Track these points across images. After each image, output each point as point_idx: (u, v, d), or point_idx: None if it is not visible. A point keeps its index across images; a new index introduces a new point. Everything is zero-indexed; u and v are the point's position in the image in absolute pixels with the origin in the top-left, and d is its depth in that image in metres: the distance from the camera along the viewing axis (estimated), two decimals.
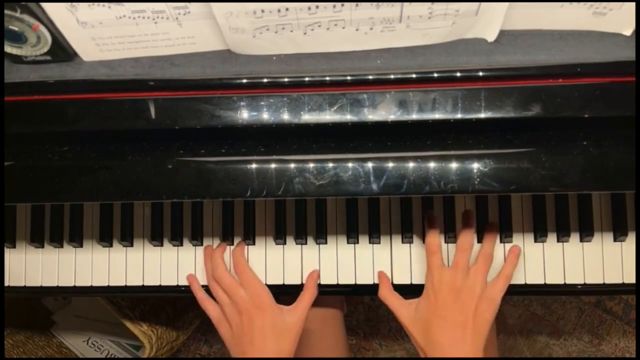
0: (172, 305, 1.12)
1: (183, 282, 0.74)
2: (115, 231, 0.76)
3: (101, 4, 0.48)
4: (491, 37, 0.54)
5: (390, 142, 0.56)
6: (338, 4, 0.48)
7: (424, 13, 0.49)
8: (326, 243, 0.74)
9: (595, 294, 1.26)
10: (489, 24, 0.52)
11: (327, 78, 0.53)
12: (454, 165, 0.54)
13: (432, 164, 0.55)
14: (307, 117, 0.54)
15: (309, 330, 0.83)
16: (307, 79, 0.53)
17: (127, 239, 0.75)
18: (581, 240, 0.71)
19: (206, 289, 0.72)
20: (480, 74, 0.52)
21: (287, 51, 0.55)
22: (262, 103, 0.54)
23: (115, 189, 0.56)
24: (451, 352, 0.60)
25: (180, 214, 0.75)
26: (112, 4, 0.48)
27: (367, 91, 0.53)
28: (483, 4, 0.49)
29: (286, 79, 0.53)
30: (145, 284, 0.75)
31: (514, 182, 0.54)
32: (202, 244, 0.75)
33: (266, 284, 0.73)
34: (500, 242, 0.72)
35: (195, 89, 0.54)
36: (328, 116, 0.54)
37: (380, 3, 0.48)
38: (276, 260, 0.74)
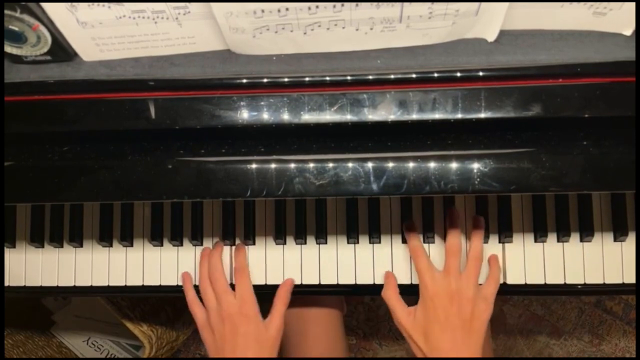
0: (172, 305, 1.12)
1: (183, 282, 0.74)
2: (115, 231, 0.76)
3: (101, 4, 0.48)
4: (491, 37, 0.54)
5: (390, 142, 0.56)
6: (338, 4, 0.48)
7: (424, 13, 0.49)
8: (326, 243, 0.74)
9: (595, 294, 1.26)
10: (489, 24, 0.52)
11: (327, 78, 0.53)
12: (454, 165, 0.54)
13: (432, 164, 0.55)
14: (307, 117, 0.54)
15: (307, 331, 0.83)
16: (307, 79, 0.53)
17: (127, 239, 0.75)
18: (581, 240, 0.71)
19: (197, 289, 0.72)
20: (480, 74, 0.52)
21: (287, 51, 0.55)
22: (262, 103, 0.54)
23: (115, 189, 0.56)
24: (453, 356, 0.60)
25: (180, 214, 0.75)
26: (112, 4, 0.48)
27: (367, 91, 0.53)
28: (483, 4, 0.49)
29: (286, 79, 0.53)
30: (145, 284, 0.75)
31: (514, 182, 0.54)
32: (202, 244, 0.75)
33: (266, 284, 0.74)
34: (500, 242, 0.72)
35: (195, 89, 0.54)
36: (328, 116, 0.54)
37: (380, 3, 0.48)
38: (276, 260, 0.74)
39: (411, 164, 0.55)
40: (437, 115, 0.53)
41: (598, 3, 0.50)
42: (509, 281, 0.72)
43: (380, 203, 0.74)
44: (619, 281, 0.71)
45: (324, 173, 0.55)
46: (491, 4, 0.49)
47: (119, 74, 0.55)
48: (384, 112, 0.53)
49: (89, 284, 0.76)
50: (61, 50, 0.54)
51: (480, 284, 0.66)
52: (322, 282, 0.73)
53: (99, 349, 1.26)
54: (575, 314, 1.34)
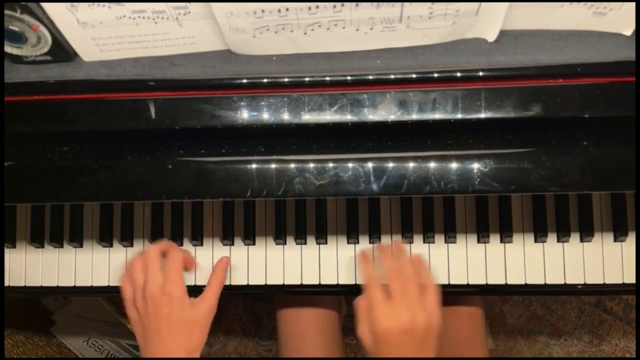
0: None
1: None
2: (115, 231, 0.76)
3: (101, 4, 0.48)
4: (491, 37, 0.54)
5: (391, 142, 0.56)
6: (338, 4, 0.48)
7: (424, 13, 0.49)
8: (326, 243, 0.74)
9: (596, 294, 1.26)
10: (489, 24, 0.52)
11: (327, 78, 0.53)
12: (454, 165, 0.54)
13: (432, 164, 0.55)
14: (307, 117, 0.54)
15: (302, 331, 0.83)
16: (307, 79, 0.53)
17: (127, 239, 0.75)
18: (581, 240, 0.71)
19: None
20: (481, 74, 0.52)
21: (287, 51, 0.55)
22: (262, 103, 0.54)
23: (115, 189, 0.56)
24: None
25: (180, 214, 0.75)
26: (112, 4, 0.48)
27: (367, 91, 0.53)
28: (483, 4, 0.49)
29: (286, 79, 0.53)
30: None
31: (514, 182, 0.54)
32: (202, 244, 0.75)
33: (266, 284, 0.74)
34: (501, 242, 0.72)
35: (195, 89, 0.54)
36: (328, 116, 0.54)
37: (380, 3, 0.48)
38: (276, 260, 0.74)
39: (411, 164, 0.55)
40: (437, 115, 0.53)
41: (598, 3, 0.50)
42: (509, 281, 0.72)
43: (380, 203, 0.74)
44: (619, 281, 0.71)
45: (324, 173, 0.55)
46: (491, 4, 0.49)
47: (119, 74, 0.55)
48: (384, 112, 0.53)
49: (89, 284, 0.75)
50: (61, 50, 0.54)
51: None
52: (322, 282, 0.73)
53: (99, 349, 1.26)
54: (575, 314, 1.34)
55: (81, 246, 0.76)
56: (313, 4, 0.48)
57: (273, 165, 0.55)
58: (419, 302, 0.63)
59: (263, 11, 0.49)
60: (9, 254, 0.77)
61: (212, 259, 0.75)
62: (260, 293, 0.74)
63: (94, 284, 0.75)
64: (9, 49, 0.53)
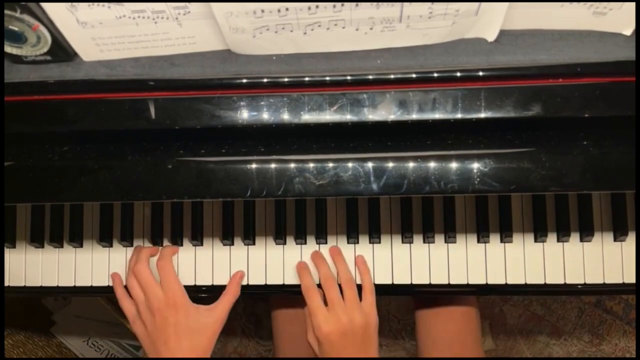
0: None
1: (184, 282, 0.74)
2: (115, 231, 0.76)
3: (101, 4, 0.48)
4: (491, 37, 0.54)
5: (390, 142, 0.56)
6: (338, 4, 0.48)
7: (424, 13, 0.49)
8: (326, 243, 0.74)
9: (596, 294, 1.26)
10: (489, 24, 0.52)
11: (327, 78, 0.53)
12: (454, 165, 0.54)
13: (432, 164, 0.55)
14: (307, 117, 0.54)
15: (298, 332, 0.83)
16: (307, 79, 0.53)
17: (127, 239, 0.75)
18: (581, 240, 0.71)
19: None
20: (480, 74, 0.52)
21: (287, 51, 0.55)
22: (262, 103, 0.54)
23: (115, 189, 0.56)
24: None
25: (180, 214, 0.75)
26: (112, 4, 0.48)
27: (367, 91, 0.53)
28: (483, 4, 0.49)
29: (286, 79, 0.53)
30: None
31: (514, 182, 0.54)
32: (202, 244, 0.75)
33: (266, 284, 0.74)
34: (501, 242, 0.72)
35: (195, 89, 0.54)
36: (328, 116, 0.54)
37: (380, 3, 0.48)
38: (276, 260, 0.74)
39: (411, 164, 0.55)
40: (437, 115, 0.53)
41: (598, 3, 0.50)
42: (509, 281, 0.72)
43: (380, 203, 0.74)
44: (619, 281, 0.71)
45: (324, 173, 0.55)
46: (491, 4, 0.49)
47: (119, 74, 0.55)
48: (384, 112, 0.53)
49: (89, 284, 0.76)
50: (61, 50, 0.54)
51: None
52: None
53: (99, 349, 1.26)
54: (575, 314, 1.34)
55: (81, 246, 0.76)
56: (313, 4, 0.48)
57: (273, 165, 0.55)
58: (356, 305, 0.68)
59: (263, 11, 0.49)
60: (9, 254, 0.77)
61: (212, 259, 0.75)
62: (260, 293, 0.74)
63: (94, 284, 0.75)
64: (8, 49, 0.53)
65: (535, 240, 0.72)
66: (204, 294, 0.74)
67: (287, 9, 0.48)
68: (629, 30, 0.54)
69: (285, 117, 0.54)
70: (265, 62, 0.55)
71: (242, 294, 0.72)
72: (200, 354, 0.66)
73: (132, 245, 0.75)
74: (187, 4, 0.49)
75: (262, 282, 0.74)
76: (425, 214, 0.73)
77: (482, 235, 0.72)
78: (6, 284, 0.76)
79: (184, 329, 0.65)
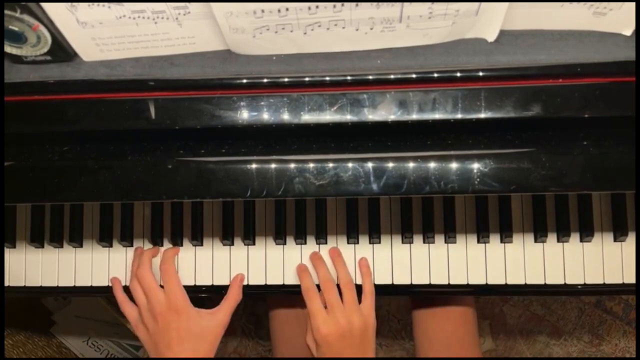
0: None
1: (184, 282, 0.74)
2: (115, 231, 0.76)
3: (101, 4, 0.48)
4: (491, 37, 0.54)
5: (390, 142, 0.56)
6: (338, 4, 0.48)
7: (424, 13, 0.49)
8: (326, 243, 0.74)
9: (595, 294, 1.26)
10: (489, 24, 0.52)
11: (327, 78, 0.53)
12: (454, 165, 0.54)
13: (432, 164, 0.55)
14: (307, 117, 0.54)
15: (296, 332, 0.83)
16: (307, 79, 0.53)
17: (127, 239, 0.75)
18: (581, 240, 0.71)
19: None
20: (480, 74, 0.52)
21: (287, 51, 0.55)
22: (262, 103, 0.54)
23: (115, 189, 0.56)
24: None
25: (180, 214, 0.75)
26: (112, 4, 0.48)
27: (367, 91, 0.53)
28: (483, 4, 0.49)
29: (286, 79, 0.53)
30: None
31: (514, 182, 0.54)
32: (202, 244, 0.75)
33: (266, 284, 0.74)
34: (501, 242, 0.72)
35: (195, 89, 0.54)
36: (328, 116, 0.54)
37: (380, 3, 0.48)
38: (276, 261, 0.74)
39: (411, 164, 0.55)
40: (437, 115, 0.53)
41: (598, 3, 0.50)
42: (509, 281, 0.72)
43: (380, 203, 0.73)
44: (619, 281, 0.71)
45: (324, 173, 0.55)
46: (491, 4, 0.49)
47: (119, 74, 0.55)
48: (384, 112, 0.53)
49: (89, 284, 0.76)
50: (61, 50, 0.54)
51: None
52: None
53: (99, 349, 1.26)
54: (575, 314, 1.34)
55: (81, 246, 0.76)
56: (313, 4, 0.48)
57: (273, 165, 0.55)
58: (355, 308, 0.68)
59: (263, 11, 0.49)
60: (9, 254, 0.77)
61: (212, 259, 0.75)
62: (260, 293, 0.74)
63: (94, 284, 0.75)
64: (8, 49, 0.53)
65: (535, 241, 0.72)
66: (204, 294, 0.74)
67: (287, 9, 0.48)
68: (629, 30, 0.54)
69: (285, 117, 0.54)
70: (265, 62, 0.55)
71: (242, 293, 0.72)
72: (201, 356, 0.66)
73: (132, 246, 0.75)
74: (187, 4, 0.49)
75: (262, 282, 0.74)
76: (425, 214, 0.73)
77: (482, 236, 0.72)
78: (6, 284, 0.76)
79: (186, 333, 0.66)
